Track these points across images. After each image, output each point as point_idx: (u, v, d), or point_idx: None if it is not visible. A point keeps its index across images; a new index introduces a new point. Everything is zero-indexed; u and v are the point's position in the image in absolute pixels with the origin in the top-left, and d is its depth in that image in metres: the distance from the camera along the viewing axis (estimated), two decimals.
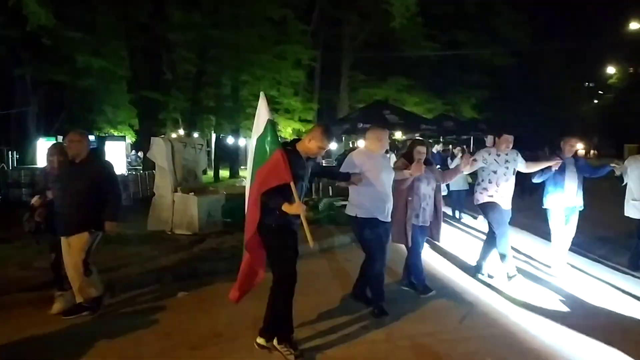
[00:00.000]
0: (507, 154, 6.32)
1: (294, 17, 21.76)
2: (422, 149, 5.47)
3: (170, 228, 8.91)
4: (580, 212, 6.76)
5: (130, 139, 24.49)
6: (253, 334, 4.39)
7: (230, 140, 25.64)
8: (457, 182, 10.94)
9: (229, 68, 19.95)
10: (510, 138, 6.30)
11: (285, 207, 3.98)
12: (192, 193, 8.90)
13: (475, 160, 6.25)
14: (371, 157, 5.11)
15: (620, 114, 44.24)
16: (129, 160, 21.30)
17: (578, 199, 6.64)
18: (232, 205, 10.22)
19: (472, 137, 21.11)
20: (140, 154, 21.20)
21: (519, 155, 6.47)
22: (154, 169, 9.92)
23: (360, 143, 19.98)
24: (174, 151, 9.18)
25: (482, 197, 6.35)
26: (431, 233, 5.82)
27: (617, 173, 6.99)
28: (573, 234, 6.80)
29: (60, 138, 20.36)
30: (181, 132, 23.66)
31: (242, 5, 18.61)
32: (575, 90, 55.55)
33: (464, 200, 11.32)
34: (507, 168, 6.27)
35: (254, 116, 4.48)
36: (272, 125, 4.18)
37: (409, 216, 5.45)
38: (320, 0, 25.46)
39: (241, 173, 23.57)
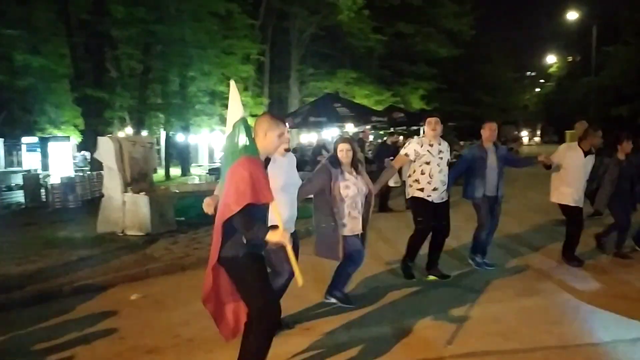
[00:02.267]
0: (439, 144, 5.94)
1: (240, 11, 21.56)
2: (345, 146, 4.99)
3: (122, 229, 8.71)
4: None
5: (75, 139, 23.72)
6: (210, 334, 4.34)
7: (180, 137, 25.20)
8: None
9: (176, 64, 19.60)
10: (435, 123, 5.92)
11: (270, 237, 3.18)
12: (143, 193, 8.73)
13: (407, 155, 5.91)
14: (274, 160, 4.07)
15: (561, 102, 46.00)
16: (76, 161, 20.65)
17: (499, 188, 6.36)
18: (184, 203, 10.12)
19: (421, 128, 21.53)
20: (87, 154, 20.58)
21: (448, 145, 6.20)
22: (102, 170, 9.67)
23: (312, 136, 20.06)
24: (123, 150, 8.97)
25: (412, 191, 5.94)
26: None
27: (548, 162, 6.59)
28: (497, 224, 6.57)
29: (0, 141, 19.63)
30: (129, 130, 23.06)
31: (186, 0, 18.29)
32: (518, 79, 57.42)
33: None
34: (441, 159, 5.90)
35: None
36: (244, 124, 3.38)
37: (337, 227, 4.87)
38: None
39: (193, 171, 23.22)
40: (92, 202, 11.67)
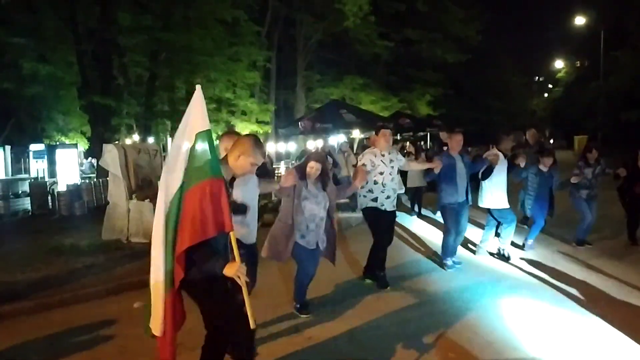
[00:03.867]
0: (389, 153, 6.16)
1: (247, 18, 21.59)
2: (316, 165, 4.98)
3: (126, 237, 8.71)
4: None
5: (82, 146, 23.83)
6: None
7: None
8: (414, 180, 11.06)
9: (183, 71, 19.62)
10: (389, 135, 6.13)
11: (227, 271, 3.10)
12: (148, 200, 8.71)
13: (364, 165, 5.98)
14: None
15: (569, 107, 45.75)
16: (82, 168, 20.72)
17: (467, 193, 6.68)
18: None
19: (428, 134, 21.47)
20: (93, 161, 20.65)
21: (399, 153, 6.53)
22: (108, 177, 9.68)
23: (311, 144, 20.06)
24: (127, 158, 8.98)
25: (365, 201, 6.09)
26: (325, 253, 5.30)
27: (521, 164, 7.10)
28: (465, 229, 6.91)
29: (8, 148, 19.74)
30: (135, 137, 23.14)
31: (192, 7, 18.34)
32: (526, 84, 57.23)
33: (422, 196, 11.41)
34: (392, 167, 6.12)
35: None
36: (208, 138, 3.13)
37: (291, 233, 4.97)
38: (273, 1, 25.38)
39: None
40: (98, 210, 11.66)
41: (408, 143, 18.92)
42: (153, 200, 8.72)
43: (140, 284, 6.42)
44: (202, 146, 3.10)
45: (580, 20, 36.83)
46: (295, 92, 27.58)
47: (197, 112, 3.21)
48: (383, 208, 6.05)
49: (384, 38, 27.73)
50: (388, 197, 6.05)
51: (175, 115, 21.72)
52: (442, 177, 6.50)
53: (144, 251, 7.89)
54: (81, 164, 20.80)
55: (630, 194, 7.71)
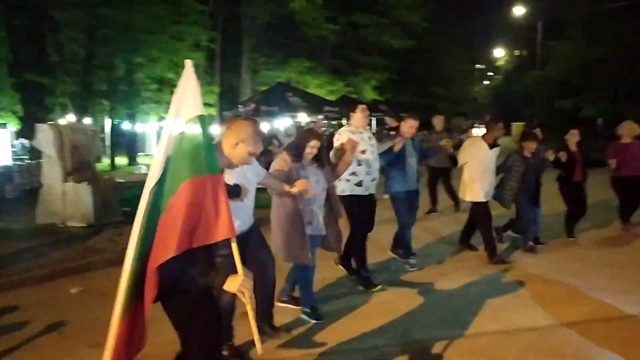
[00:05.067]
0: (366, 130, 5.55)
1: None
2: (317, 144, 4.40)
3: (62, 220, 8.32)
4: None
5: (14, 126, 22.62)
6: (155, 326, 4.15)
7: (126, 125, 24.41)
8: None
9: (122, 49, 18.88)
10: (367, 111, 5.56)
11: (228, 285, 2.52)
12: (85, 182, 8.35)
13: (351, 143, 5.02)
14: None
15: (509, 94, 47.32)
16: (15, 149, 19.69)
17: (418, 181, 6.26)
18: (131, 193, 9.74)
19: (374, 119, 21.65)
20: (26, 142, 19.66)
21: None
22: (42, 158, 9.21)
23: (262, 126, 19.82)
24: (63, 138, 8.55)
25: (349, 187, 5.37)
26: (327, 242, 4.65)
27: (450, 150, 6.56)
28: (415, 220, 6.44)
29: None
30: (71, 118, 22.16)
31: None
32: (469, 72, 58.64)
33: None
34: (373, 145, 5.50)
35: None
36: (203, 125, 2.57)
37: (306, 229, 4.35)
38: None
39: (140, 160, 22.59)
40: (32, 192, 11.10)
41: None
42: (91, 182, 8.40)
43: (78, 268, 6.20)
44: (195, 135, 2.54)
45: (519, 11, 38.03)
46: (241, 75, 27.11)
47: (189, 93, 2.60)
48: (367, 192, 5.44)
49: (331, 21, 27.63)
50: (373, 180, 5.45)
51: (114, 96, 20.97)
52: (390, 163, 5.90)
53: (81, 235, 7.66)
54: (13, 145, 19.76)
55: (569, 182, 7.29)
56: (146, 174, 2.60)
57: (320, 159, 4.51)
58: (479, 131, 60.60)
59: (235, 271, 2.60)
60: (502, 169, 6.74)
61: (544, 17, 34.63)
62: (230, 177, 3.28)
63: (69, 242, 7.21)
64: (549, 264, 6.27)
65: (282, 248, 4.30)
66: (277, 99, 16.58)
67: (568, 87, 29.11)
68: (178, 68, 21.73)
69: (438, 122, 9.76)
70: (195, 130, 2.54)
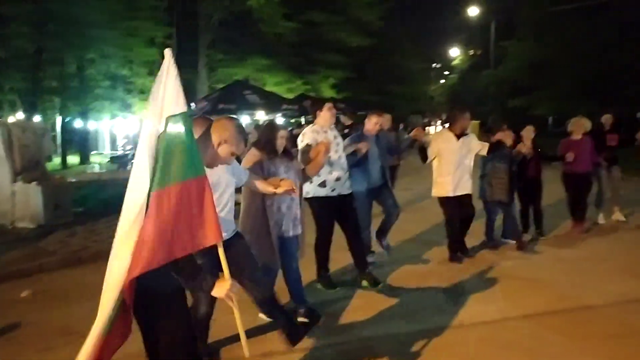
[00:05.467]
0: (331, 129, 5.37)
1: None
2: (286, 134, 4.37)
3: (11, 222, 8.06)
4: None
5: None
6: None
7: (78, 123, 23.72)
8: None
9: (73, 45, 18.30)
10: (334, 110, 5.37)
11: (216, 290, 2.47)
12: (35, 182, 8.09)
13: (309, 145, 5.01)
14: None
15: (464, 93, 48.32)
16: None
17: (385, 178, 6.18)
18: (83, 193, 9.53)
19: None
20: None
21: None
22: None
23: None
24: (12, 137, 8.26)
25: (312, 188, 5.21)
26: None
27: (421, 142, 6.47)
28: (397, 205, 6.31)
29: None
30: (20, 115, 21.38)
31: None
32: (425, 70, 59.56)
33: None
34: (338, 144, 5.37)
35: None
36: (186, 124, 2.38)
37: (272, 228, 4.24)
38: None
39: (92, 159, 22.01)
40: None
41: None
42: (41, 182, 8.13)
43: (28, 271, 5.99)
44: (176, 134, 2.35)
45: (473, 11, 38.98)
46: (198, 72, 26.71)
47: (171, 88, 2.40)
48: (335, 194, 5.25)
49: (289, 19, 27.55)
50: (338, 179, 5.25)
51: (65, 92, 20.34)
52: (353, 161, 5.73)
53: (31, 237, 7.41)
54: None
55: (524, 178, 7.29)
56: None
57: (289, 153, 4.42)
58: (435, 129, 61.88)
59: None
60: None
61: (496, 17, 35.61)
62: (209, 178, 3.16)
63: (18, 244, 6.98)
64: (506, 260, 6.44)
65: (257, 250, 4.04)
66: (234, 97, 16.42)
67: (519, 86, 29.94)
68: (132, 64, 21.30)
69: (385, 120, 9.90)
70: (178, 129, 2.35)
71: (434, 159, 6.38)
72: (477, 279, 5.73)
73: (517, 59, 29.25)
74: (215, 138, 2.96)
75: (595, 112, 11.75)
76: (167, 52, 2.54)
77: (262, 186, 3.86)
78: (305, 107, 19.39)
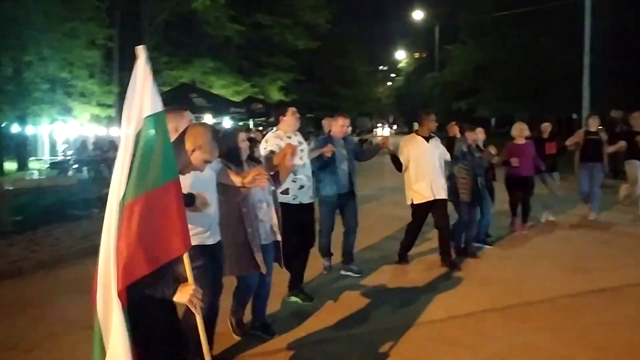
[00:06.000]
0: (295, 135, 5.08)
1: None
2: (246, 136, 4.15)
3: None
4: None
5: None
6: (51, 344, 3.92)
7: (15, 128, 22.71)
8: None
9: (8, 47, 17.50)
10: (297, 114, 5.07)
11: (179, 296, 2.38)
12: None
13: (272, 152, 4.78)
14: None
15: (410, 95, 49.35)
16: None
17: (352, 183, 5.90)
18: (21, 201, 9.12)
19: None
20: None
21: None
22: None
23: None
24: None
25: (292, 192, 4.98)
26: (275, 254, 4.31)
27: (390, 151, 6.28)
28: (357, 224, 6.07)
29: None
30: None
31: None
32: (372, 73, 60.48)
33: None
34: (302, 151, 5.07)
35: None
36: (162, 125, 2.32)
37: (250, 235, 3.94)
38: None
39: (31, 165, 21.13)
40: None
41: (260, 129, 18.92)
42: None
43: None
44: (154, 134, 2.27)
45: (418, 15, 39.87)
46: None
47: (147, 88, 2.35)
48: (297, 202, 4.99)
49: (235, 21, 27.32)
50: (301, 187, 5.00)
51: (1, 96, 19.42)
52: (320, 165, 5.58)
53: None
54: None
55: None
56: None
57: (255, 158, 4.25)
58: (383, 131, 62.72)
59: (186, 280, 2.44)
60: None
61: (440, 21, 36.56)
62: (183, 184, 2.81)
63: None
64: (458, 260, 6.55)
65: (229, 261, 3.80)
66: (180, 100, 16.12)
67: (463, 88, 30.78)
68: (72, 67, 20.56)
69: (327, 124, 9.75)
70: (155, 128, 2.29)
71: (407, 165, 6.27)
72: (430, 280, 5.85)
73: (460, 62, 30.06)
74: (189, 144, 2.88)
75: (535, 113, 12.21)
76: (140, 50, 2.48)
77: (232, 178, 3.74)
78: (253, 110, 19.31)
